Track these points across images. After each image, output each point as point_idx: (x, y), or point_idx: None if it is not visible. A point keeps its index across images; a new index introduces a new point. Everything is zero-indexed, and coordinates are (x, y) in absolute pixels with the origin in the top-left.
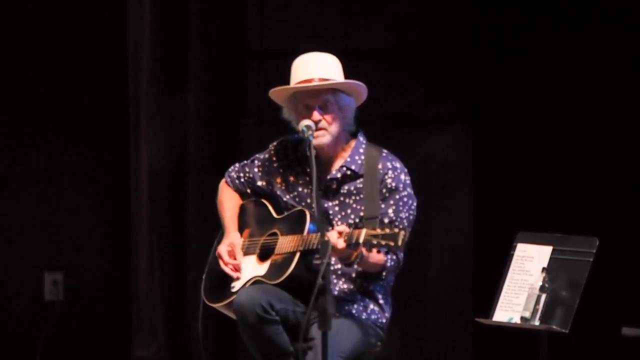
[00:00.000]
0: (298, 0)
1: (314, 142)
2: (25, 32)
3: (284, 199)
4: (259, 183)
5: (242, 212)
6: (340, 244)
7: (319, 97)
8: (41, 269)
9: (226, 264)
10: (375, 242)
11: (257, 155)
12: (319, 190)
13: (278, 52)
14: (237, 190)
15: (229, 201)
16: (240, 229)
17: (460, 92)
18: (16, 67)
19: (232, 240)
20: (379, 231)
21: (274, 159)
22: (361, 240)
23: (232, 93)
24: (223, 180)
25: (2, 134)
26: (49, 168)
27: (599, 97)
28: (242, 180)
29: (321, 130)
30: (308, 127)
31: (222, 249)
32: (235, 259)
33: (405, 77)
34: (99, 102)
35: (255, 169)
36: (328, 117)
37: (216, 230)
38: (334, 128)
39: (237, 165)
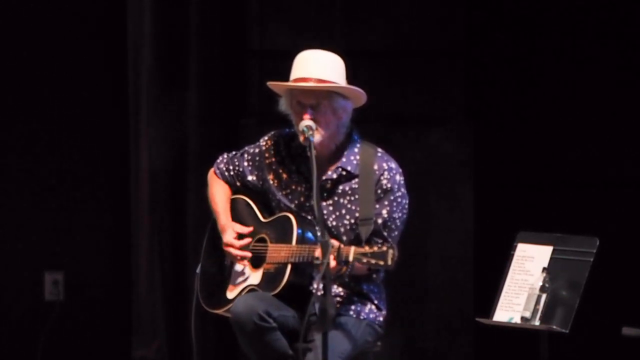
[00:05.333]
0: (298, 0)
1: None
2: (24, 32)
3: (277, 197)
4: (250, 178)
5: (231, 209)
6: (331, 262)
7: (312, 97)
8: (42, 269)
9: (237, 254)
10: (365, 260)
11: (247, 149)
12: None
13: (278, 52)
14: (226, 182)
15: (220, 194)
16: None
17: (460, 92)
18: (15, 68)
19: (232, 227)
20: (367, 249)
21: (266, 154)
22: (350, 258)
23: (232, 93)
24: (212, 171)
25: (1, 134)
26: (50, 167)
27: (599, 96)
28: (232, 172)
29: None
30: (309, 127)
31: (230, 238)
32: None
33: (405, 77)
34: (99, 101)
35: (245, 163)
36: (320, 118)
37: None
38: (325, 129)
39: (225, 156)
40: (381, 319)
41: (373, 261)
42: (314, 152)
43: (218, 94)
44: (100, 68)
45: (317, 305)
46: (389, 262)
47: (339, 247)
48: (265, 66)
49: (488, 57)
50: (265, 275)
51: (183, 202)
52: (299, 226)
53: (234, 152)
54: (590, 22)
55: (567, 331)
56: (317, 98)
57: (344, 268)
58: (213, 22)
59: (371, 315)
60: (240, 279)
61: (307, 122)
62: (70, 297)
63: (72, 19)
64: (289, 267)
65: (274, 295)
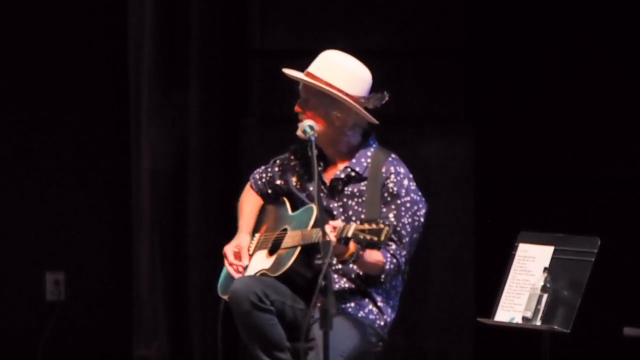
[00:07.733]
0: (298, 0)
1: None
2: (25, 33)
3: (300, 197)
4: (278, 182)
5: (263, 211)
6: (331, 238)
7: (303, 90)
8: (43, 269)
9: (230, 264)
10: (361, 236)
11: (278, 157)
12: (325, 190)
13: (279, 52)
14: (259, 191)
15: (248, 204)
16: (259, 227)
17: (460, 92)
18: (16, 68)
19: (239, 242)
20: (366, 226)
21: (292, 157)
22: (349, 234)
23: (232, 93)
24: (248, 184)
25: (2, 134)
26: (50, 167)
27: (599, 96)
28: (264, 180)
29: (301, 121)
30: (311, 127)
31: (228, 249)
32: (240, 260)
33: (405, 77)
34: (99, 101)
35: (276, 169)
36: (308, 112)
37: (217, 229)
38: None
39: (262, 167)
40: (382, 323)
41: (368, 237)
42: (315, 151)
43: (218, 94)
44: (101, 68)
45: (318, 305)
46: (382, 238)
47: (343, 227)
48: (265, 66)
49: (488, 57)
50: (276, 259)
51: (183, 201)
52: (319, 215)
53: (268, 164)
54: (591, 22)
55: (569, 331)
56: (307, 93)
57: (347, 252)
58: (213, 22)
59: (370, 317)
60: (256, 265)
61: (308, 122)
62: (71, 297)
63: (72, 19)
64: (296, 251)
65: (277, 277)
